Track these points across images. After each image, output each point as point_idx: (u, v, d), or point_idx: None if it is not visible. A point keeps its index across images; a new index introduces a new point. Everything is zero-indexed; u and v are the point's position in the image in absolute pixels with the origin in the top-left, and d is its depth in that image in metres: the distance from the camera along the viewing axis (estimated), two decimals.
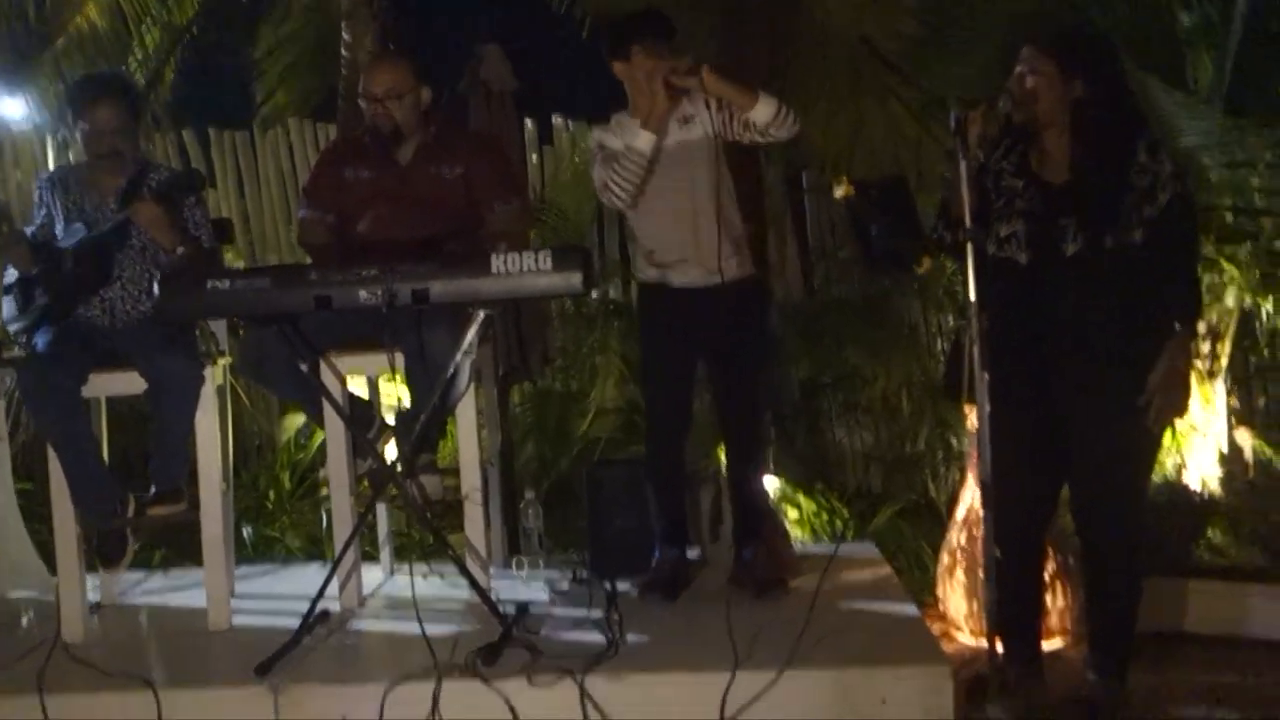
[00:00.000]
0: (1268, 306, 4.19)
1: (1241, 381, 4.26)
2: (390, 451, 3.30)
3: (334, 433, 3.24)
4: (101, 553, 3.16)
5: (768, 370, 3.47)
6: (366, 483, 3.25)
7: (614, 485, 3.53)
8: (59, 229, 3.31)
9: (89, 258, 3.22)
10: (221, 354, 3.39)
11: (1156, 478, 3.81)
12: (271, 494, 4.49)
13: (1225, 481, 4.04)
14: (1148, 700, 2.87)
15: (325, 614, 3.06)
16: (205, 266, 3.18)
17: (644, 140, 3.07)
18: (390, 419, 3.43)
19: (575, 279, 2.80)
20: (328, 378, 3.17)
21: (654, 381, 3.33)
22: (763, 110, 3.01)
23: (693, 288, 3.18)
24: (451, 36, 4.67)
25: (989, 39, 4.15)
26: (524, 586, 3.42)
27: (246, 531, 4.11)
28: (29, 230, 3.36)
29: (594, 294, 4.45)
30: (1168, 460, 4.06)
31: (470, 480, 3.19)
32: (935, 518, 4.11)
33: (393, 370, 3.12)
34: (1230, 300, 4.08)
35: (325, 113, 5.64)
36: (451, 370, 2.98)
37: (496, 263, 2.81)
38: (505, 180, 3.42)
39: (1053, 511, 2.97)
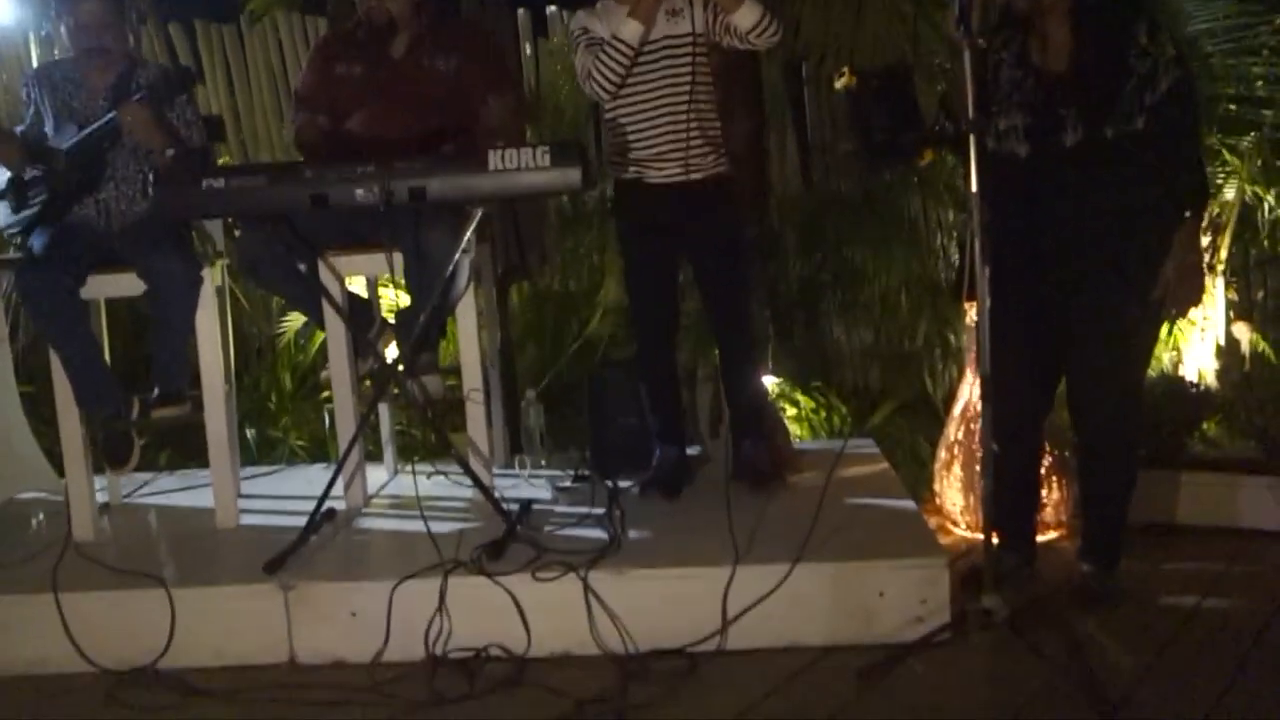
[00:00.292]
0: (1269, 199, 4.15)
1: (1240, 274, 4.24)
2: (391, 351, 3.30)
3: (334, 333, 3.24)
4: (108, 453, 3.18)
5: (748, 266, 3.44)
6: (368, 382, 3.26)
7: (615, 384, 3.54)
8: (49, 127, 3.27)
9: (81, 158, 3.18)
10: (219, 255, 3.37)
11: (1153, 371, 3.83)
12: (273, 396, 4.50)
13: (1221, 374, 4.06)
14: (1140, 589, 2.92)
15: (331, 513, 3.11)
16: (198, 165, 3.14)
17: (630, 30, 3.01)
18: (390, 320, 3.43)
19: (574, 175, 2.79)
20: (326, 278, 3.16)
21: (636, 279, 3.31)
22: (747, 15, 2.96)
23: (668, 183, 3.15)
24: None
25: None
26: (526, 485, 3.47)
27: (250, 434, 4.13)
28: (18, 130, 3.32)
29: (594, 191, 4.39)
30: (1164, 354, 4.08)
31: (471, 380, 3.21)
32: (933, 414, 4.14)
33: (391, 271, 3.10)
34: (1230, 193, 4.05)
35: (313, 5, 5.49)
36: (450, 269, 2.97)
37: (494, 159, 2.79)
38: (499, 73, 3.36)
39: (1049, 405, 3.00)
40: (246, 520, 3.27)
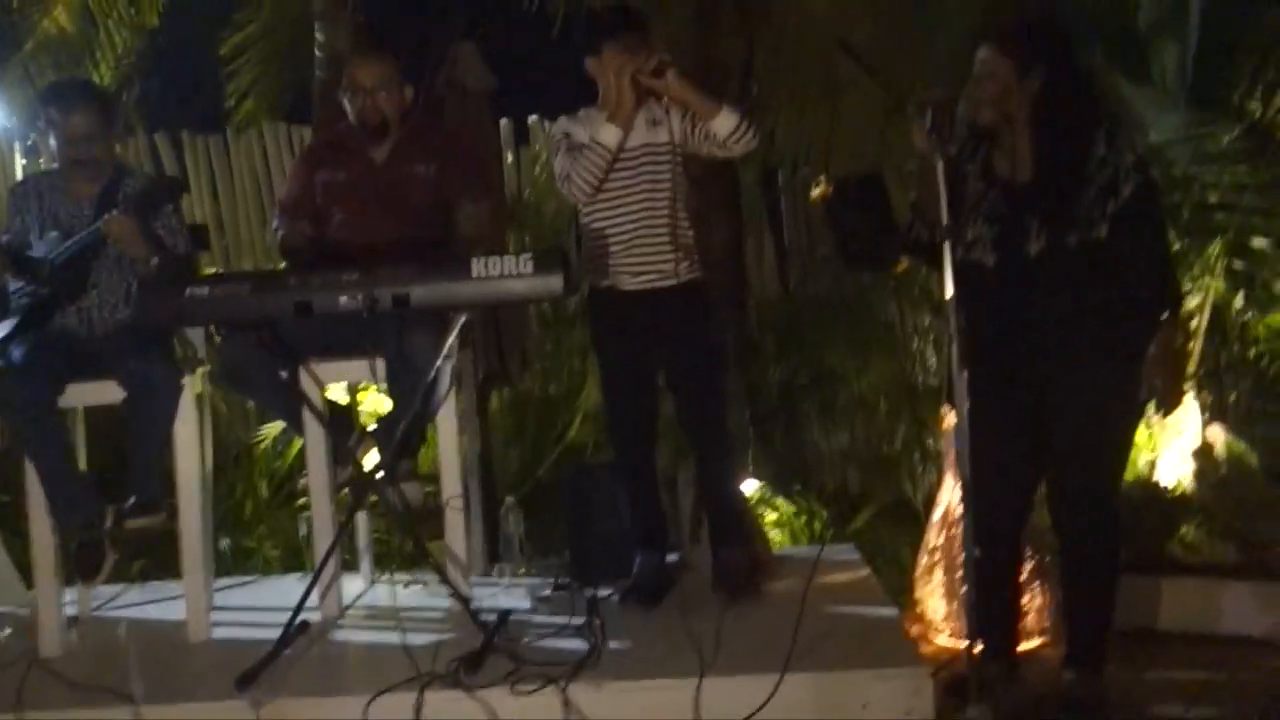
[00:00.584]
0: (1237, 303, 4.22)
1: (1213, 378, 4.29)
2: (369, 459, 3.29)
3: (314, 440, 3.22)
4: (80, 565, 3.12)
5: (723, 371, 3.47)
6: (347, 491, 3.24)
7: (594, 490, 3.53)
8: (34, 237, 3.29)
9: (65, 267, 3.20)
10: (200, 362, 3.37)
11: (1129, 475, 3.84)
12: (249, 503, 4.46)
13: (1198, 478, 4.07)
14: (1124, 698, 2.89)
15: (305, 625, 3.05)
16: (181, 274, 3.16)
17: (609, 134, 3.07)
18: (369, 428, 3.42)
19: (556, 282, 2.81)
20: (307, 384, 3.16)
21: (612, 385, 3.33)
22: (724, 122, 3.03)
23: (643, 290, 3.19)
24: (426, 36, 4.65)
25: (951, 36, 4.16)
26: (505, 594, 3.42)
27: (224, 543, 4.08)
28: (2, 239, 3.34)
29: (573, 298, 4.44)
30: (1140, 457, 4.10)
31: (451, 486, 3.19)
32: (913, 518, 4.13)
33: (374, 375, 3.11)
34: (1199, 298, 4.12)
35: (297, 114, 5.60)
36: (433, 374, 2.98)
37: (477, 266, 2.81)
38: (475, 180, 3.41)
39: (1029, 510, 3.00)
40: (219, 633, 3.21)
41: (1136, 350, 2.72)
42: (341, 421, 3.36)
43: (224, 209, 5.56)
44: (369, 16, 5.10)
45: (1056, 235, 2.71)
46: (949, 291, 2.57)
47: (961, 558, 2.73)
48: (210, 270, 4.63)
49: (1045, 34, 2.86)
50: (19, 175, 5.40)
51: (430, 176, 3.33)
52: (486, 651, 2.79)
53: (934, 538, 3.59)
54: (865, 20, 4.58)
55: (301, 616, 2.99)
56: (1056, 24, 3.14)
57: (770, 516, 4.27)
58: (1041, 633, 3.41)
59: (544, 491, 4.35)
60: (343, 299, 2.81)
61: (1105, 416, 2.75)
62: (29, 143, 5.70)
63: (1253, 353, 4.33)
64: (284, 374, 3.10)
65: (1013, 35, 2.78)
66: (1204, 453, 4.12)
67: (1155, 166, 3.57)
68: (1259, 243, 3.95)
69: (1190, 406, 4.13)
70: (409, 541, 3.43)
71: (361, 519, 3.58)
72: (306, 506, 3.42)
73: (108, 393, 3.11)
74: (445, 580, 3.01)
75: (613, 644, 2.90)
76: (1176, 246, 3.91)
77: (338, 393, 3.59)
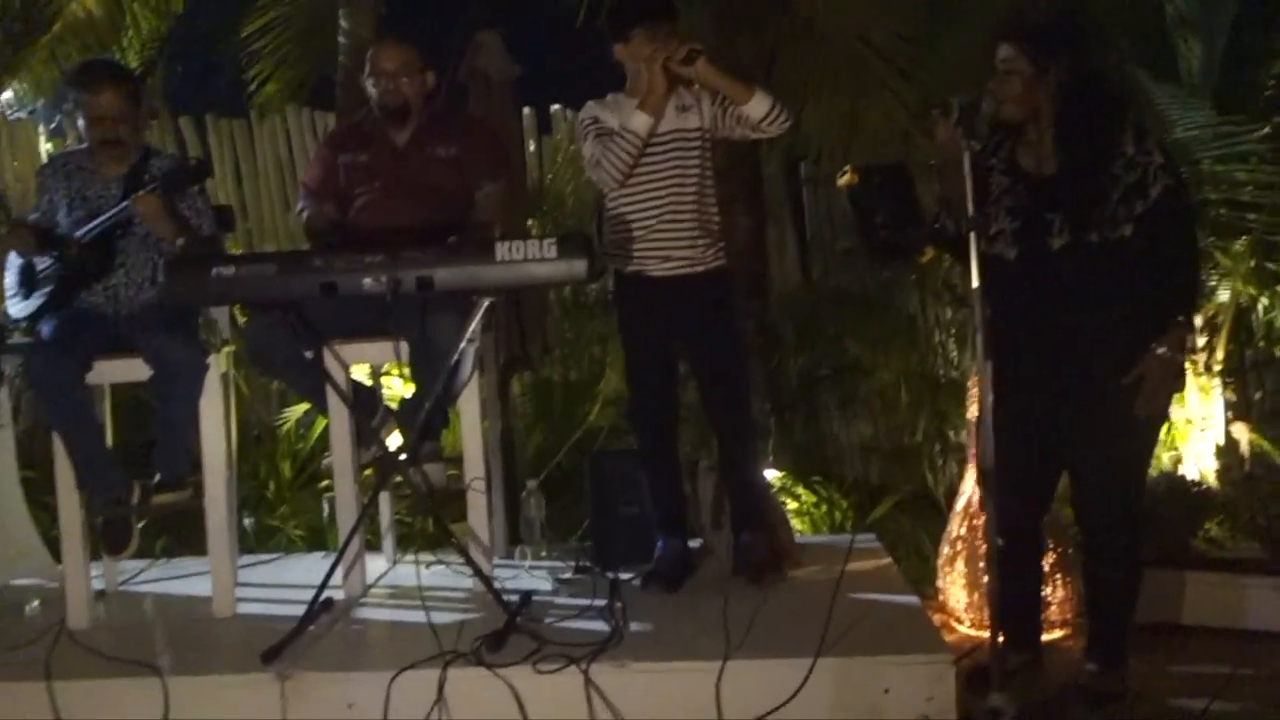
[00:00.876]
0: (1263, 301, 4.21)
1: (1238, 375, 4.28)
2: (393, 440, 3.30)
3: (338, 420, 3.24)
4: (107, 539, 3.15)
5: (746, 359, 3.47)
6: (370, 471, 3.25)
7: (615, 474, 3.53)
8: (61, 215, 3.31)
9: (92, 245, 3.22)
10: (225, 342, 3.39)
11: (1154, 471, 3.83)
12: (272, 484, 4.48)
13: (1222, 474, 4.06)
14: (1147, 691, 2.89)
15: (330, 602, 3.07)
16: (208, 255, 3.17)
17: (640, 121, 3.06)
18: (394, 408, 3.44)
19: (580, 267, 2.82)
20: (332, 365, 3.17)
21: (637, 372, 3.33)
22: (757, 106, 3.03)
23: (669, 276, 3.19)
24: (450, 24, 4.66)
25: (977, 34, 4.15)
26: (526, 576, 3.43)
27: (248, 522, 4.10)
28: (31, 217, 3.36)
29: (594, 285, 4.45)
30: (1165, 454, 4.09)
31: (474, 469, 3.19)
32: (934, 510, 4.13)
33: (398, 358, 3.12)
34: (1225, 295, 4.10)
35: (320, 99, 5.62)
36: (456, 357, 2.99)
37: (501, 250, 2.82)
38: (493, 161, 3.41)
39: (1049, 502, 3.00)
40: (244, 609, 3.23)
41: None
42: (366, 402, 3.38)
43: (247, 193, 5.58)
44: (392, 5, 5.11)
45: (1079, 231, 2.70)
46: (974, 282, 2.56)
47: (984, 548, 2.73)
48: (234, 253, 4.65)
49: (1065, 31, 2.86)
50: (44, 158, 5.43)
51: (451, 160, 3.34)
52: (509, 631, 2.80)
53: (956, 528, 3.58)
54: (888, 17, 4.56)
55: (325, 594, 3.00)
56: (1076, 21, 3.14)
57: (791, 505, 4.28)
58: (1064, 624, 3.41)
59: (565, 476, 4.35)
60: (367, 281, 2.82)
61: (1128, 416, 2.73)
62: (55, 125, 5.73)
63: (1278, 350, 4.32)
64: (309, 354, 3.11)
65: (1033, 32, 2.78)
66: (1228, 449, 4.12)
67: (1183, 163, 3.57)
68: None
69: (1215, 403, 4.12)
70: (431, 522, 3.44)
71: (384, 500, 3.60)
72: (329, 488, 3.43)
73: (134, 370, 3.13)
74: (468, 560, 3.02)
75: (634, 626, 2.90)
76: (1204, 242, 3.91)
77: (361, 374, 3.61)
